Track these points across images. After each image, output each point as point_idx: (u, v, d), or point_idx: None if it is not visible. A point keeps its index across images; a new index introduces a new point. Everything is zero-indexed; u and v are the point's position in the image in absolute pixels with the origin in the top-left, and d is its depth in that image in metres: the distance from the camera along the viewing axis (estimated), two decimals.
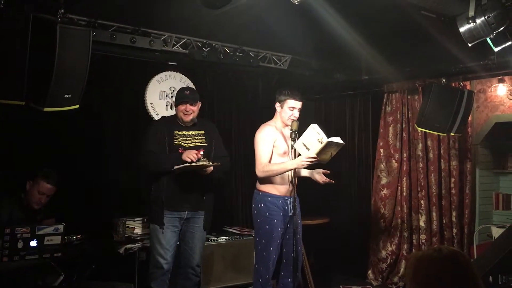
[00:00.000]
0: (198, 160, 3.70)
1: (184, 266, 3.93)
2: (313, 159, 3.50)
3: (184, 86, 4.98)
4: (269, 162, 3.76)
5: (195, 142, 3.90)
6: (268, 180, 3.78)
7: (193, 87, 5.10)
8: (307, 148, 3.50)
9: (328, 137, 3.47)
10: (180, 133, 3.88)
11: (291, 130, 3.66)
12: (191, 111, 3.86)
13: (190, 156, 3.65)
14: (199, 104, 3.97)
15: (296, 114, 3.81)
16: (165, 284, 3.86)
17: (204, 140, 3.94)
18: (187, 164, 3.64)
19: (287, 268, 3.81)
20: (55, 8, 3.23)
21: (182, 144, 3.86)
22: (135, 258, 4.32)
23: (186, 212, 3.87)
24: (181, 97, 3.89)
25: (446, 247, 1.63)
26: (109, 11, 4.15)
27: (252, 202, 3.90)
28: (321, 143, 3.42)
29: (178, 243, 3.92)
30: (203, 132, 3.97)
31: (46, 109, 3.21)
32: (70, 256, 3.69)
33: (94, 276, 3.82)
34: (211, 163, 3.73)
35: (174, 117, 4.00)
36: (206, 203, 3.95)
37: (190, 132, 3.93)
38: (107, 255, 4.19)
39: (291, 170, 3.67)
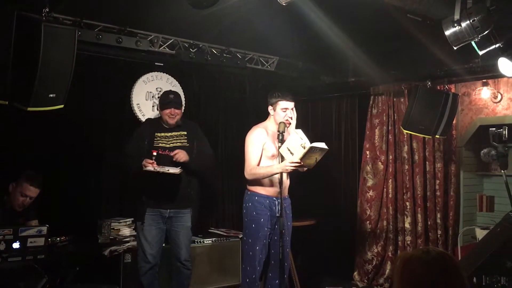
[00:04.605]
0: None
1: (175, 262, 4.12)
2: (297, 164, 3.50)
3: (171, 87, 5.02)
4: (258, 164, 3.77)
5: (177, 143, 4.05)
6: (257, 180, 3.80)
7: (180, 88, 5.10)
8: (291, 153, 3.50)
9: (313, 142, 3.46)
10: (162, 134, 4.03)
11: (278, 131, 3.65)
12: (176, 114, 4.03)
13: (144, 163, 3.81)
14: (183, 107, 4.14)
15: (290, 114, 3.80)
16: (155, 278, 4.04)
17: (185, 141, 4.09)
18: (150, 169, 3.79)
19: (275, 269, 3.80)
20: (40, 7, 3.18)
21: (163, 145, 4.00)
22: (120, 260, 4.29)
23: (168, 210, 4.00)
24: (167, 101, 4.04)
25: (434, 249, 1.64)
26: (95, 10, 4.11)
27: (243, 202, 3.92)
28: (304, 148, 3.42)
29: (165, 240, 4.10)
30: (185, 132, 4.11)
31: (30, 109, 3.17)
32: (53, 258, 3.65)
33: (78, 278, 3.77)
34: (173, 171, 3.81)
35: (159, 119, 4.15)
36: (190, 201, 4.09)
37: (173, 133, 4.07)
38: (91, 257, 4.15)
39: (277, 173, 3.67)
